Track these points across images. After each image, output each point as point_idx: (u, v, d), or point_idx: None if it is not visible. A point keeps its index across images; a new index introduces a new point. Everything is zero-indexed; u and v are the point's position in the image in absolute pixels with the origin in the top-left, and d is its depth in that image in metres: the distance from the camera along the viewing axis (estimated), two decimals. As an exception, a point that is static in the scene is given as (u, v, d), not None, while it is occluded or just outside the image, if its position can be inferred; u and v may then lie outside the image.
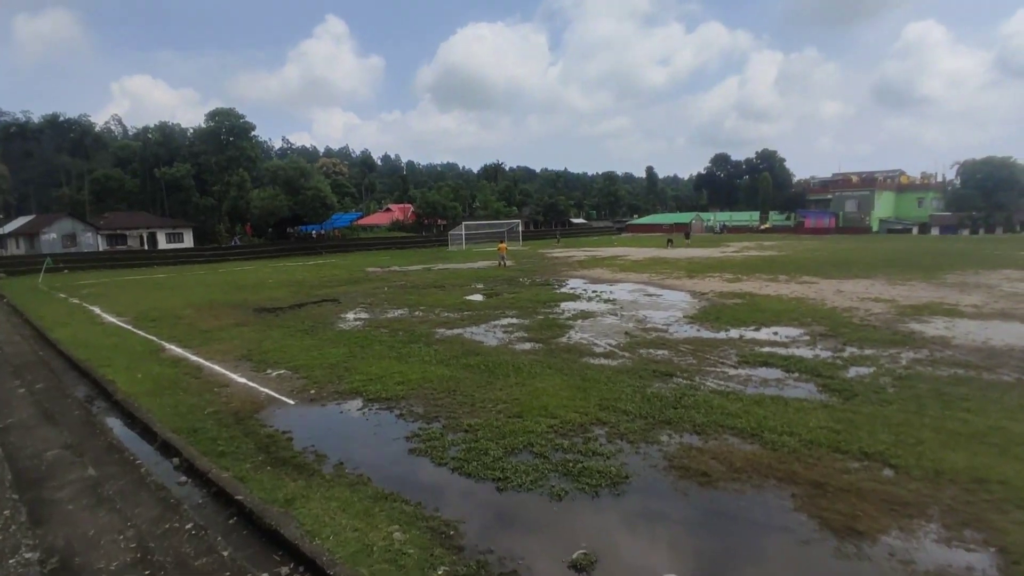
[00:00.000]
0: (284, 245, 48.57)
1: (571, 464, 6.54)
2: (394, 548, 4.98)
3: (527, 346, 12.49)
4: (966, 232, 64.79)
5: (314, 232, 53.30)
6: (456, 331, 14.21)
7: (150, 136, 55.99)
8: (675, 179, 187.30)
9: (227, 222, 52.65)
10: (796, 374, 10.03)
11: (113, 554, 3.30)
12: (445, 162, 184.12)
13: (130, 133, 77.11)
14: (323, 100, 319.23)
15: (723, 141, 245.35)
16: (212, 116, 53.34)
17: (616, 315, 16.06)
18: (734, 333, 13.44)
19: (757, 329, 13.82)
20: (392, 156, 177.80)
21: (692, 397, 8.70)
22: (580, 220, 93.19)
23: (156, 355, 12.44)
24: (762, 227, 75.77)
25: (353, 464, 6.71)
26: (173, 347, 13.15)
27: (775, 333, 13.38)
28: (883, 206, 71.21)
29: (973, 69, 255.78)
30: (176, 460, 6.87)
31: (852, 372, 10.04)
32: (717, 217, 79.89)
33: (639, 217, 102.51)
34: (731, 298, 18.53)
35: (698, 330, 13.92)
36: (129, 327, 16.02)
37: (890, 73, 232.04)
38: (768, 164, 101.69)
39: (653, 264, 31.59)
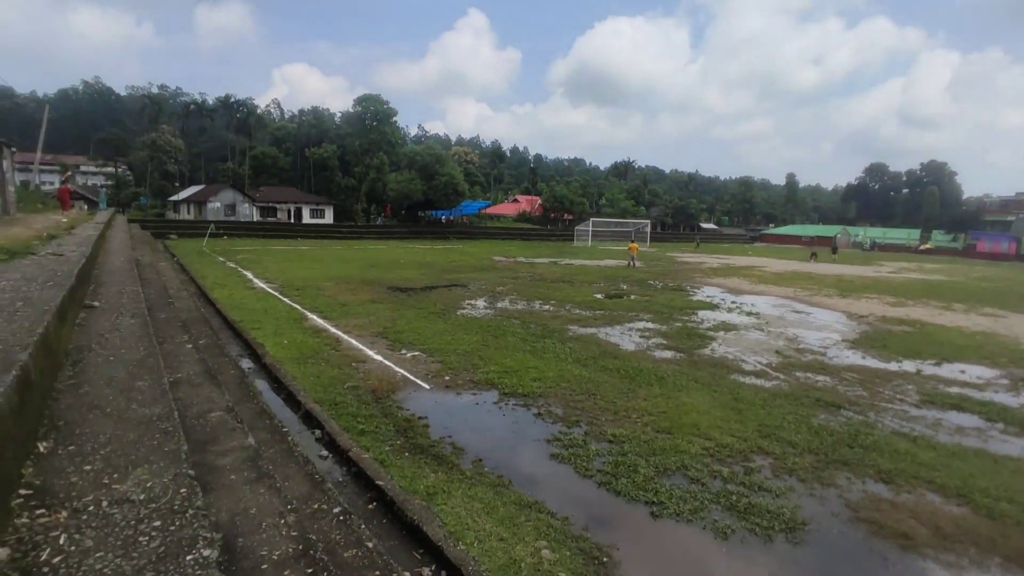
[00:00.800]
0: (415, 228, 50.49)
1: (734, 497, 5.68)
2: (543, 568, 4.46)
3: (667, 354, 11.56)
4: None
5: (444, 217, 54.91)
6: (590, 330, 13.55)
7: (304, 118, 60.44)
8: (817, 188, 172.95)
9: (364, 202, 55.62)
10: (1001, 424, 8.37)
11: (275, 542, 2.96)
12: (572, 157, 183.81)
13: (286, 115, 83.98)
14: (459, 90, 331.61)
15: (878, 150, 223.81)
16: (359, 101, 56.45)
17: (762, 330, 14.61)
18: (908, 366, 11.65)
19: (937, 364, 11.91)
20: (521, 148, 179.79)
21: (870, 436, 7.45)
22: (710, 225, 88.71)
23: (299, 323, 12.94)
24: (922, 247, 67.69)
25: (493, 463, 6.28)
26: (315, 317, 13.63)
27: (962, 371, 11.43)
28: (1080, 233, 60.93)
29: None
30: (319, 432, 6.82)
31: (1082, 432, 8.19)
32: (868, 233, 72.49)
33: (775, 227, 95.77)
34: (897, 324, 16.30)
35: (863, 357, 12.23)
36: (276, 294, 16.97)
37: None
38: (934, 177, 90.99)
39: (797, 278, 28.96)
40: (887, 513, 5.54)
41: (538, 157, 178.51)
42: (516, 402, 8.31)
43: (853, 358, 12.12)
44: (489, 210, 67.97)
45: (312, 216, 52.09)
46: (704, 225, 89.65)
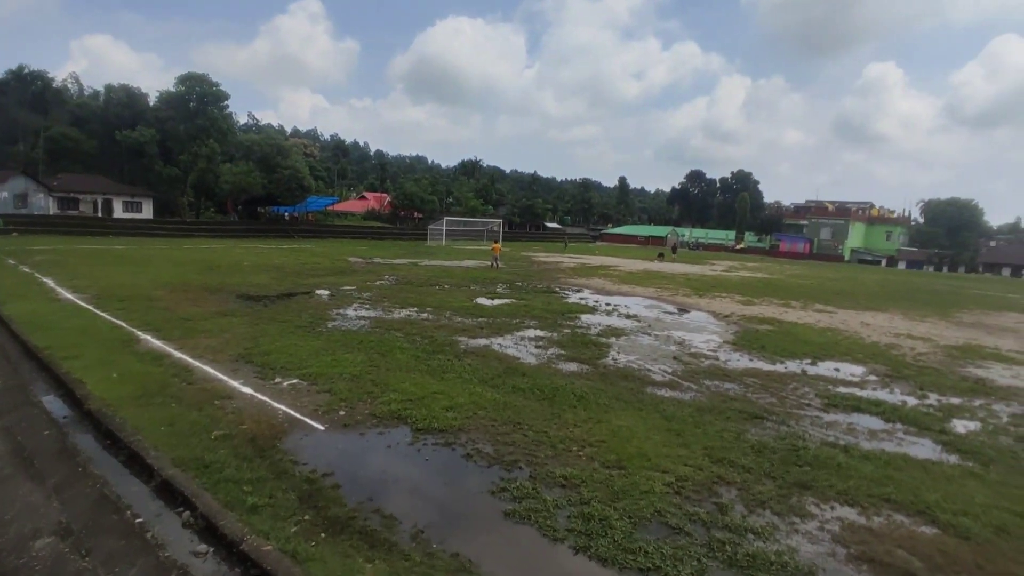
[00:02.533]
0: (254, 225, 45.54)
1: (728, 547, 4.98)
2: None
3: (572, 367, 10.90)
4: (931, 268, 66.42)
5: (287, 214, 50.34)
6: (481, 341, 12.49)
7: (113, 96, 51.81)
8: (642, 191, 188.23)
9: (191, 195, 49.21)
10: (901, 425, 8.78)
11: None
12: (415, 154, 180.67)
13: (86, 93, 71.88)
14: (293, 79, 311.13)
15: (688, 159, 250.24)
16: (183, 80, 49.66)
17: (649, 335, 14.62)
18: (793, 366, 12.20)
19: (813, 363, 12.63)
20: (361, 143, 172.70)
21: (808, 451, 7.29)
22: (554, 225, 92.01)
23: (130, 347, 10.31)
24: (737, 247, 76.17)
25: (438, 533, 4.98)
26: (150, 338, 11.00)
27: (836, 369, 12.21)
28: (854, 236, 72.52)
29: (924, 113, 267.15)
30: (187, 514, 5.00)
31: (958, 426, 8.86)
32: (693, 233, 79.98)
33: (613, 227, 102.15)
34: (759, 323, 17.38)
35: (751, 360, 12.60)
36: (92, 308, 13.68)
37: (850, 108, 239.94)
38: (742, 185, 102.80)
39: (650, 278, 30.42)
40: (874, 545, 5.18)
41: (379, 153, 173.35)
42: (435, 440, 7.00)
43: (743, 361, 12.42)
44: (336, 207, 63.94)
45: (126, 210, 44.65)
46: (548, 224, 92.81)
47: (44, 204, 42.65)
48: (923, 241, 76.65)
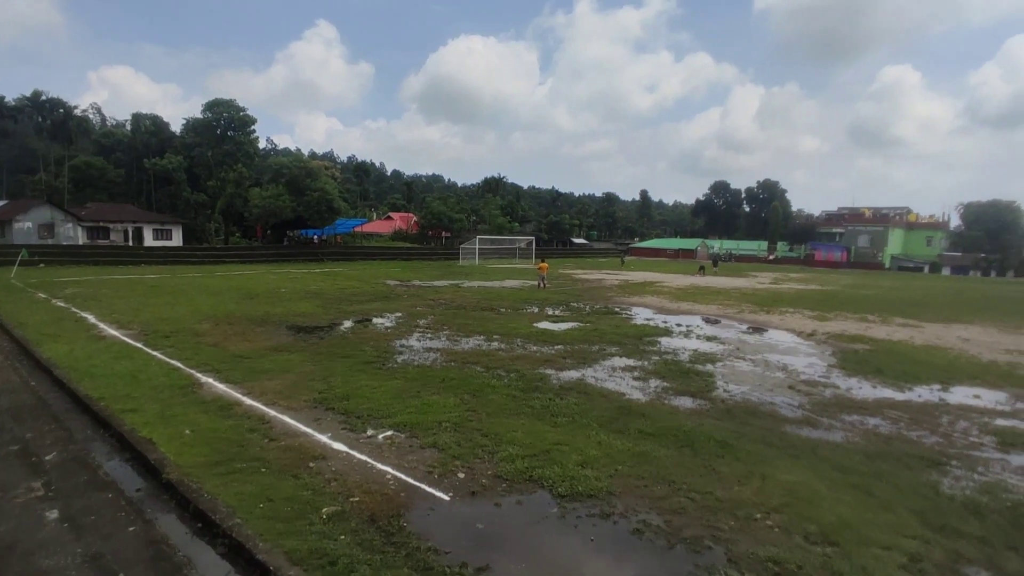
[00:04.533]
0: (283, 249, 44.82)
1: None
2: None
3: (687, 403, 9.55)
4: (978, 273, 63.90)
5: (315, 237, 49.65)
6: (571, 375, 11.19)
7: (141, 124, 51.85)
8: (660, 204, 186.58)
9: (219, 220, 48.79)
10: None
11: None
12: (431, 173, 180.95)
13: (108, 124, 72.51)
14: (308, 104, 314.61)
15: (703, 169, 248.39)
16: (210, 107, 49.66)
17: (744, 359, 13.22)
18: (925, 393, 10.77)
19: (944, 389, 11.16)
20: (377, 164, 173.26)
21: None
22: (581, 240, 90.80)
23: (192, 393, 9.17)
24: (771, 257, 74.21)
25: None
26: (211, 380, 9.87)
27: (976, 396, 10.73)
28: (893, 243, 70.26)
29: (944, 115, 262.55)
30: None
31: None
32: (724, 245, 78.17)
33: (640, 240, 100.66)
34: (850, 342, 15.88)
35: (873, 387, 11.16)
36: (139, 345, 12.64)
37: (865, 113, 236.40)
38: (769, 194, 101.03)
39: (703, 294, 28.92)
40: None
41: (396, 173, 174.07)
42: (586, 510, 5.69)
43: (866, 388, 10.98)
44: (363, 228, 63.30)
45: (156, 238, 44.27)
46: (575, 240, 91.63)
47: (73, 234, 42.34)
48: (965, 245, 74.19)
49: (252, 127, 50.96)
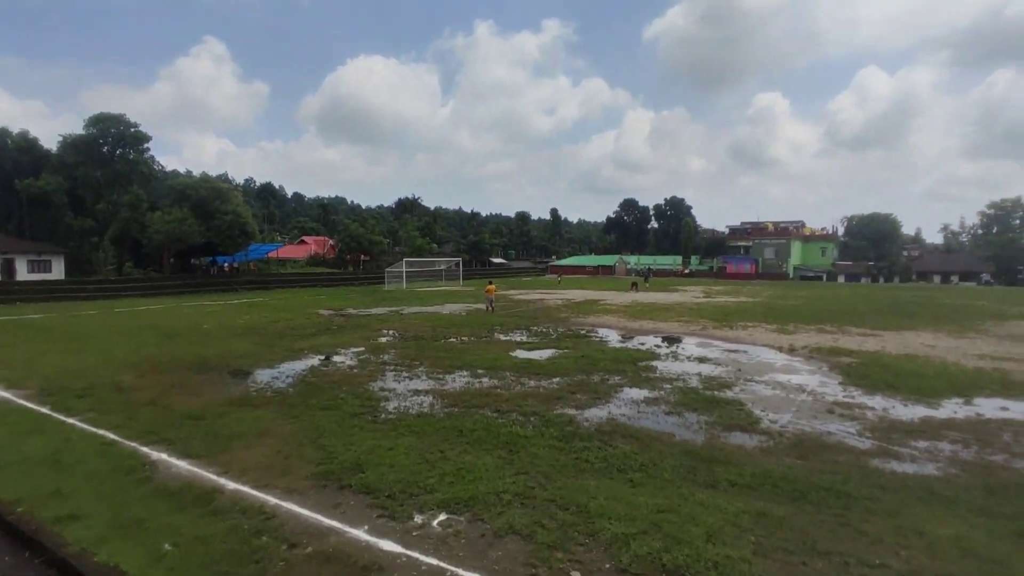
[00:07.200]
0: (189, 279, 40.14)
1: None
2: None
3: (747, 440, 8.54)
4: (868, 280, 69.24)
5: (226, 265, 45.19)
6: (595, 413, 9.86)
7: (7, 141, 45.34)
8: (566, 222, 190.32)
9: (109, 248, 43.37)
10: None
11: None
12: (333, 195, 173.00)
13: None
14: (197, 123, 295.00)
15: (600, 188, 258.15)
16: (94, 122, 44.17)
17: (755, 382, 12.53)
18: (956, 409, 10.58)
19: (967, 403, 11.03)
20: (277, 186, 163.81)
21: None
22: (499, 260, 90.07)
23: (146, 478, 6.92)
24: (685, 271, 76.89)
25: None
26: (165, 457, 7.61)
27: (1004, 408, 10.53)
28: (794, 254, 74.94)
29: (809, 138, 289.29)
30: None
31: None
32: (641, 260, 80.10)
33: (557, 258, 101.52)
34: (834, 355, 15.74)
35: (905, 404, 10.79)
36: (46, 410, 9.93)
37: (744, 136, 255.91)
38: (677, 211, 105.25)
39: (653, 311, 28.58)
40: None
41: (297, 195, 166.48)
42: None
43: (897, 407, 10.54)
44: (277, 253, 58.86)
45: (32, 270, 38.11)
46: (494, 260, 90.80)
47: (-75, 269, 35.84)
48: (852, 255, 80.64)
49: (146, 144, 45.97)
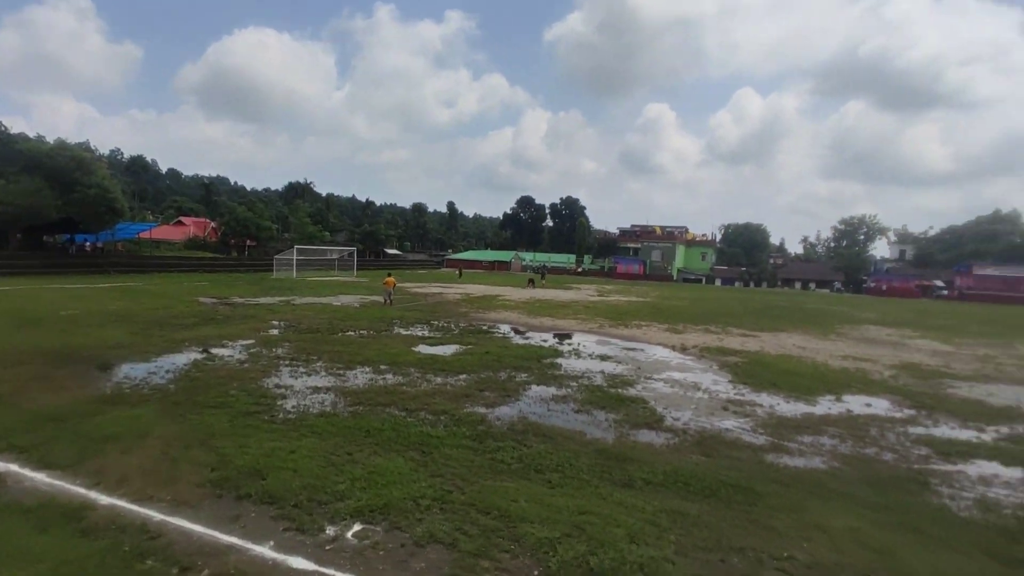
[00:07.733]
0: (43, 259, 35.32)
1: None
2: None
3: (654, 438, 8.84)
4: (741, 284, 75.16)
5: (88, 244, 40.30)
6: (505, 411, 9.79)
7: None
8: (462, 216, 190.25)
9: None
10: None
11: None
12: (215, 174, 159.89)
13: None
14: (51, 83, 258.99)
15: (497, 185, 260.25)
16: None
17: (655, 379, 13.02)
18: (829, 406, 11.50)
19: (838, 399, 12.07)
20: (149, 160, 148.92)
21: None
22: (394, 251, 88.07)
23: (36, 511, 5.91)
24: (579, 269, 79.35)
25: None
26: (15, 467, 6.55)
27: (868, 405, 11.68)
28: (679, 258, 79.72)
29: (691, 149, 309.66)
30: None
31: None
32: (536, 257, 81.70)
33: (454, 252, 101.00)
34: (722, 355, 16.76)
35: (786, 401, 11.65)
36: None
37: (633, 143, 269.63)
38: (571, 210, 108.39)
39: (551, 308, 29.12)
40: None
41: (173, 172, 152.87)
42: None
43: (781, 404, 11.34)
44: (150, 234, 53.43)
45: None
46: (389, 251, 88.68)
47: None
48: (727, 260, 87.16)
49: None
